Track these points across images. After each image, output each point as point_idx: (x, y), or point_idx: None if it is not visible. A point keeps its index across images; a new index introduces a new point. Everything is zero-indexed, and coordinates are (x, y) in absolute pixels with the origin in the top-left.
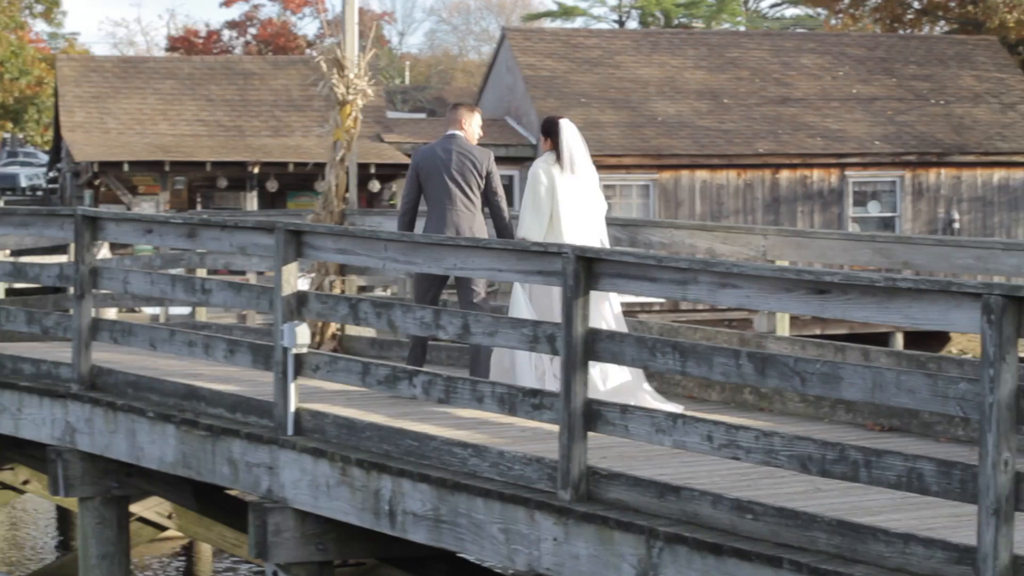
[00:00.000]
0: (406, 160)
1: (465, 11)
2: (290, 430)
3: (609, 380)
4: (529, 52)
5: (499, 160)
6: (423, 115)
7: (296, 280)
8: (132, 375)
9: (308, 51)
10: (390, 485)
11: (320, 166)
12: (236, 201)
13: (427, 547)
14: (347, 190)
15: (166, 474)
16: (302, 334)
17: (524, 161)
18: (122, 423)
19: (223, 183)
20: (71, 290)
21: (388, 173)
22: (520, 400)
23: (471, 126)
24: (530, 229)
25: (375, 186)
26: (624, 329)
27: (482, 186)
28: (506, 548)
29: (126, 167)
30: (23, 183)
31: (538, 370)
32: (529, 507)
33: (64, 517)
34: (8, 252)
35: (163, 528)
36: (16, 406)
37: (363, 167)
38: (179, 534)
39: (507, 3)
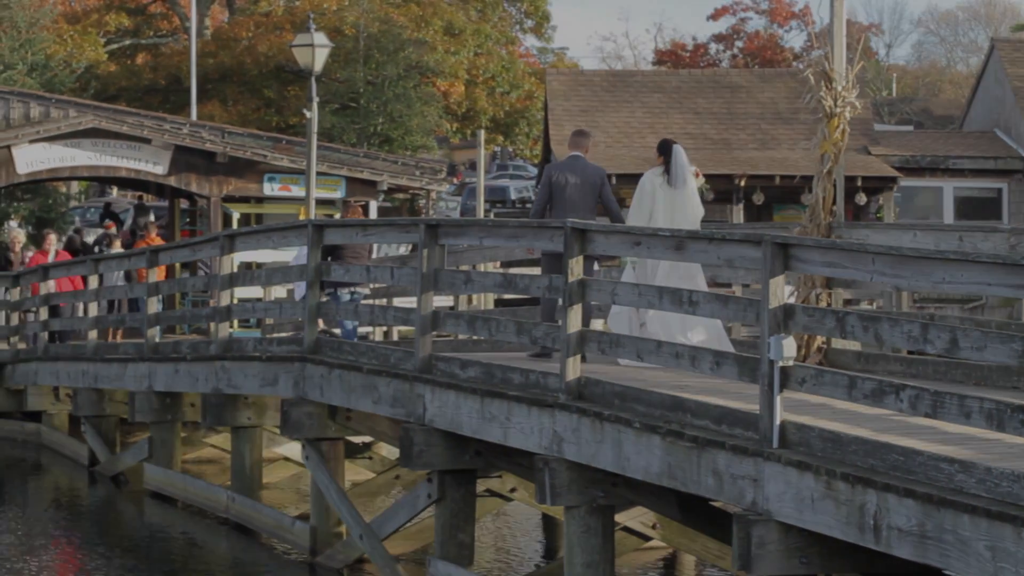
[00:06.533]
0: (894, 173)
1: (953, 22)
2: (775, 442)
3: (693, 335)
4: (1019, 63)
5: (985, 172)
6: (910, 127)
7: (783, 293)
8: (619, 385)
9: (795, 64)
10: (875, 500)
11: (807, 179)
12: (722, 213)
13: (911, 563)
14: (834, 203)
15: (650, 484)
16: (789, 347)
17: (1014, 174)
18: (608, 433)
19: (709, 196)
20: (560, 301)
21: (875, 186)
22: (1009, 416)
23: (588, 148)
24: (634, 224)
25: (861, 199)
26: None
27: (596, 196)
28: (992, 566)
29: (615, 180)
30: (512, 195)
31: (632, 322)
32: (1016, 525)
33: (549, 525)
34: (498, 264)
35: (647, 538)
36: (505, 415)
37: (850, 180)
38: (663, 544)
39: (996, 14)
